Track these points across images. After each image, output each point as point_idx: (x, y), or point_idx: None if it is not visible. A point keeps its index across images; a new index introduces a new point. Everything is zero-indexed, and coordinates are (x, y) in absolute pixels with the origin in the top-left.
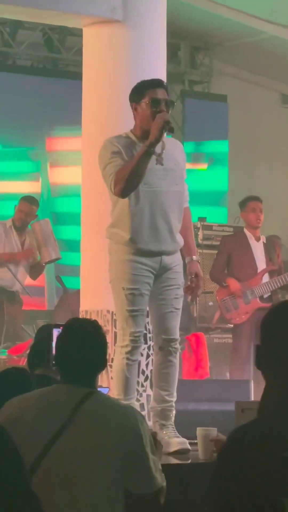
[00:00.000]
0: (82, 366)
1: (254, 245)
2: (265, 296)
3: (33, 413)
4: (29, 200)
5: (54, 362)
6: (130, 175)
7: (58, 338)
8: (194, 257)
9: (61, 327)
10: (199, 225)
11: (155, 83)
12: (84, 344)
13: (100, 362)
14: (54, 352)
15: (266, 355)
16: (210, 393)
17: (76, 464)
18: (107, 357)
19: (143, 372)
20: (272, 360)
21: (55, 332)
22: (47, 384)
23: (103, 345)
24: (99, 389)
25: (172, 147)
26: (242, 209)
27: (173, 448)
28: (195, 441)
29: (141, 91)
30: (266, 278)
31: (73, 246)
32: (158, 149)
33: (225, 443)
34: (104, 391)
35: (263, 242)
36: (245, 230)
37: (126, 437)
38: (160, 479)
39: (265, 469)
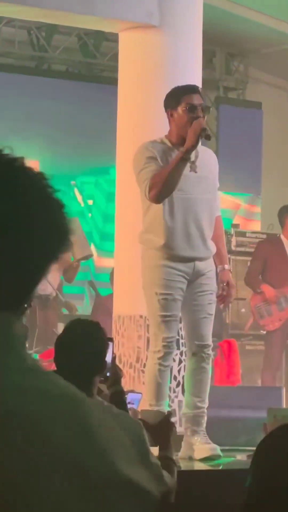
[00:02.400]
0: (78, 368)
1: None
2: None
3: None
4: None
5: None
6: (165, 180)
7: (58, 339)
8: (226, 266)
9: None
10: (232, 232)
11: (190, 89)
12: (82, 346)
13: (96, 365)
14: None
15: None
16: (242, 400)
17: None
18: (116, 362)
19: (175, 377)
20: None
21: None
22: None
23: (101, 348)
24: (132, 394)
25: (206, 156)
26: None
27: (204, 454)
28: (227, 448)
29: (177, 97)
30: None
31: None
32: (192, 156)
33: (264, 439)
34: (137, 396)
35: None
36: (282, 237)
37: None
38: (163, 481)
39: None
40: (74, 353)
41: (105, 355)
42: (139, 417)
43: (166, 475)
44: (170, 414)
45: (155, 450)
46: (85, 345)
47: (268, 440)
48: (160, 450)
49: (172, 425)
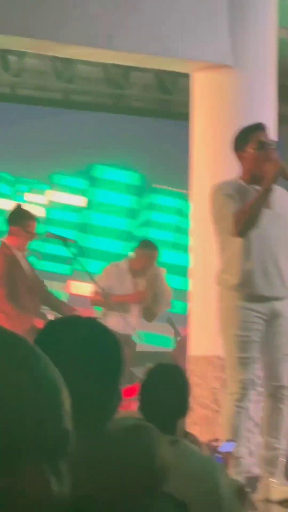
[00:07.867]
0: (163, 410)
1: None
2: None
3: None
4: (149, 245)
5: None
6: (250, 214)
7: (143, 381)
8: None
9: None
10: None
11: (257, 127)
12: (166, 388)
13: (181, 407)
14: None
15: None
16: None
17: None
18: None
19: (252, 418)
20: None
21: None
22: None
23: (185, 389)
24: (224, 443)
25: (279, 193)
26: None
27: (280, 496)
28: None
29: (245, 137)
30: None
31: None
32: None
33: None
34: (229, 446)
35: None
36: None
37: (204, 486)
38: None
39: None
40: (159, 396)
41: (188, 398)
42: None
43: None
44: (243, 486)
45: None
46: (168, 389)
47: None
48: None
49: (247, 494)
